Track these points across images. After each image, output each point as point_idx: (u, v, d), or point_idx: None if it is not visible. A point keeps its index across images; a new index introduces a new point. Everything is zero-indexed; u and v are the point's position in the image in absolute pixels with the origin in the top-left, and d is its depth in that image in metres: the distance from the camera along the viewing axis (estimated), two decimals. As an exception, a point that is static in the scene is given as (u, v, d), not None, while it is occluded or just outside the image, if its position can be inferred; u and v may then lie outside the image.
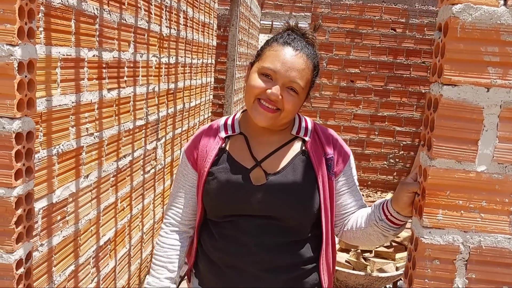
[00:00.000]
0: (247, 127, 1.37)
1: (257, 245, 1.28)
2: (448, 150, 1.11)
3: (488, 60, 1.08)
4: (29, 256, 1.27)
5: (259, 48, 1.38)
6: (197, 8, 3.79)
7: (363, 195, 5.96)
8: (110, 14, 2.10)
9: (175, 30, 3.16)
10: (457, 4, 1.06)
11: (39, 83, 1.57)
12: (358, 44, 6.06)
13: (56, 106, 1.70)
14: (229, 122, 1.39)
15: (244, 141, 1.36)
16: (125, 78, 2.35)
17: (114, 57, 2.19)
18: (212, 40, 4.62)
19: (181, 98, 3.49)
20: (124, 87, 2.34)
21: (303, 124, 1.40)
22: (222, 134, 1.37)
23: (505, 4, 1.05)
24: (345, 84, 6.13)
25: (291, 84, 1.25)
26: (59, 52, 1.69)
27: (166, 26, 2.96)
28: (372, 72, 6.09)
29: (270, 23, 10.80)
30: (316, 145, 1.36)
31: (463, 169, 1.12)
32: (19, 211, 1.21)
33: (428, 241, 1.11)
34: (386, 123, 6.16)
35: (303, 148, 1.35)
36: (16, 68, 1.14)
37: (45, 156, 1.65)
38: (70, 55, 1.78)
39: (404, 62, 6.06)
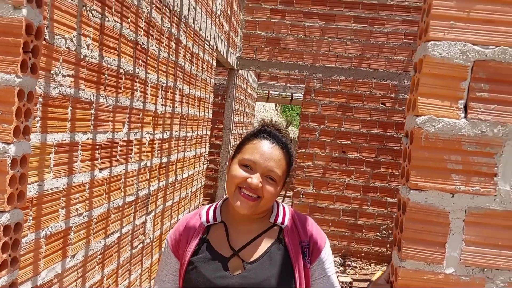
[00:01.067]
0: (227, 215, 1.45)
1: None
2: (417, 252, 1.16)
3: (451, 167, 1.15)
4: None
5: (240, 143, 1.49)
6: (193, 85, 3.96)
7: (356, 267, 5.92)
8: (106, 99, 2.21)
9: (170, 107, 3.29)
10: (420, 116, 1.15)
11: (31, 169, 1.64)
12: (349, 117, 6.24)
13: (47, 190, 1.76)
14: (211, 211, 1.47)
15: (224, 230, 1.43)
16: (118, 157, 2.42)
17: (108, 138, 2.28)
18: (208, 112, 4.77)
19: (174, 171, 3.56)
20: (116, 166, 2.41)
21: (281, 211, 1.47)
22: (204, 223, 1.44)
23: (465, 117, 1.14)
24: (337, 155, 6.25)
25: (269, 173, 1.37)
26: (54, 139, 1.78)
27: (162, 104, 3.09)
28: (363, 144, 6.23)
29: (267, 92, 11.14)
30: (293, 232, 1.41)
31: (432, 270, 1.16)
32: (1, 303, 1.23)
33: None
34: (378, 194, 6.21)
35: (280, 236, 1.41)
36: (9, 165, 1.21)
37: (32, 240, 1.69)
38: (65, 140, 1.86)
39: (395, 135, 6.22)
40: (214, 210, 1.47)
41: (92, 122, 2.10)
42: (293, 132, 22.30)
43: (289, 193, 12.59)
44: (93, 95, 2.08)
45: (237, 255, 1.39)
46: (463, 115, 1.14)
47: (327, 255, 1.45)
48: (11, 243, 1.25)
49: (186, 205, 4.10)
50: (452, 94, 1.14)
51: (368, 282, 3.40)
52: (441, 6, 1.13)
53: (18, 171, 1.25)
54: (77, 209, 2.01)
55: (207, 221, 1.44)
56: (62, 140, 1.84)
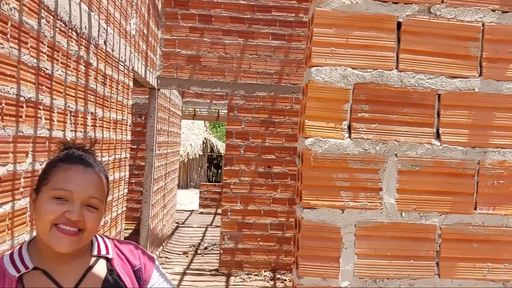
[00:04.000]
0: (40, 259, 1.22)
1: None
2: (313, 268, 1.20)
3: (340, 185, 1.20)
4: None
5: (42, 172, 1.26)
6: (107, 107, 3.85)
7: (286, 280, 5.98)
8: (4, 129, 2.09)
9: (81, 132, 3.17)
10: (308, 138, 1.19)
11: None
12: (273, 132, 6.36)
13: None
14: (16, 258, 1.21)
15: (44, 275, 1.21)
16: (21, 189, 2.29)
17: (8, 170, 2.15)
18: (126, 135, 4.66)
19: (90, 198, 3.42)
20: (19, 199, 2.27)
21: (102, 242, 1.34)
22: (14, 273, 1.17)
23: (349, 136, 1.20)
24: (262, 170, 6.33)
25: (90, 201, 1.21)
26: None
27: (71, 130, 2.97)
28: (287, 158, 6.36)
29: (193, 110, 11.10)
30: (122, 260, 1.32)
31: (328, 286, 1.20)
32: None
33: None
34: (304, 206, 6.35)
35: (109, 267, 1.29)
36: None
37: None
38: (-46, 177, 1.73)
39: (317, 147, 6.42)
40: (20, 256, 1.21)
41: (-12, 155, 1.97)
42: (223, 148, 22.33)
43: (219, 210, 12.57)
44: (-12, 126, 1.96)
45: None
46: (347, 135, 1.20)
47: (159, 269, 1.39)
48: None
49: (106, 232, 3.94)
50: (336, 116, 1.19)
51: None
52: (322, 33, 1.19)
53: None
54: (-28, 249, 1.87)
55: (17, 271, 1.18)
56: (-50, 177, 1.71)
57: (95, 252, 1.30)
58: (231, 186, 6.30)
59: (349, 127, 1.20)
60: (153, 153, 6.44)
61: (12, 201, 2.20)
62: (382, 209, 1.21)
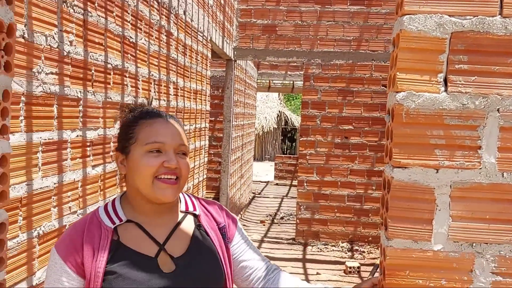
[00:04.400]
0: (133, 213, 1.27)
1: None
2: (404, 230, 1.14)
3: (434, 143, 1.12)
4: None
5: (122, 131, 1.30)
6: (188, 77, 3.94)
7: (364, 252, 5.90)
8: (94, 95, 2.20)
9: (164, 101, 3.27)
10: (400, 92, 1.12)
11: (18, 169, 1.63)
12: (350, 101, 6.19)
13: (36, 189, 1.75)
14: (110, 210, 1.26)
15: (138, 228, 1.25)
16: (111, 153, 2.41)
17: (99, 135, 2.27)
18: (205, 105, 4.75)
19: (173, 165, 3.55)
20: (110, 162, 2.40)
21: (188, 200, 1.37)
22: (110, 225, 1.23)
23: (445, 90, 1.11)
24: (339, 141, 6.21)
25: (180, 148, 1.25)
26: (40, 137, 1.77)
27: (155, 99, 3.07)
28: (365, 128, 6.18)
29: (268, 81, 11.10)
30: (208, 217, 1.35)
31: (420, 248, 1.13)
32: (-11, 303, 1.23)
33: (390, 321, 1.11)
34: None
35: (197, 223, 1.33)
36: (-12, 165, 1.20)
37: (24, 240, 1.69)
38: (52, 139, 1.85)
39: (397, 117, 6.16)
40: (114, 209, 1.26)
41: (81, 119, 2.09)
42: (298, 121, 22.23)
43: (295, 182, 12.60)
44: (80, 91, 2.06)
45: (164, 250, 1.25)
46: (443, 88, 1.10)
47: (242, 230, 1.42)
48: (-5, 244, 1.25)
49: (188, 198, 4.09)
50: (431, 67, 1.10)
51: (373, 266, 3.38)
52: (415, -23, 1.09)
53: (-3, 171, 1.24)
54: (70, 207, 2.01)
55: (113, 222, 1.24)
56: (49, 139, 1.83)
57: (182, 208, 1.34)
58: (307, 157, 6.26)
59: (445, 80, 1.10)
60: (231, 124, 6.55)
61: (103, 164, 2.33)
62: (481, 168, 1.12)
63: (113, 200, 1.30)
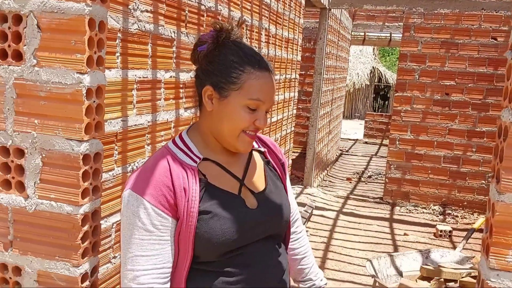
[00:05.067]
0: (207, 151, 1.24)
1: (275, 266, 1.27)
2: (520, 184, 0.99)
3: None
4: (95, 270, 1.36)
5: (223, 67, 1.19)
6: (280, 25, 3.82)
7: (457, 216, 5.58)
8: (187, 37, 2.19)
9: (256, 47, 3.21)
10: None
11: (115, 105, 1.68)
12: (454, 54, 5.70)
13: (131, 126, 1.80)
14: (185, 148, 1.22)
15: (217, 166, 1.24)
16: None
17: (191, 77, 2.28)
18: (297, 55, 4.63)
19: (262, 114, 3.52)
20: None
21: None
22: (193, 164, 1.19)
23: None
24: (439, 97, 5.79)
25: (269, 109, 1.24)
26: (135, 75, 1.80)
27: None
28: (469, 85, 5.69)
29: (363, 34, 10.58)
30: (272, 153, 1.37)
31: (539, 206, 0.99)
32: (86, 228, 1.29)
33: (495, 285, 1.00)
34: (485, 139, 5.70)
35: (265, 159, 1.35)
36: (85, 94, 1.23)
37: (120, 173, 1.76)
38: (147, 77, 1.88)
39: (507, 74, 5.57)
40: (188, 148, 1.22)
41: (174, 60, 2.10)
42: (392, 78, 21.18)
43: (385, 141, 12.13)
44: (174, 32, 2.06)
45: (244, 186, 1.25)
46: None
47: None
48: (91, 172, 1.30)
49: (276, 148, 4.07)
50: None
51: (468, 230, 3.16)
52: None
53: (94, 101, 1.27)
54: (163, 146, 2.06)
55: (194, 161, 1.20)
56: (143, 77, 1.86)
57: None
58: (402, 113, 5.93)
59: None
60: (321, 77, 6.37)
61: (196, 107, 2.35)
62: None
63: (181, 137, 1.26)
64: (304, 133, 9.12)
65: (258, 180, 1.28)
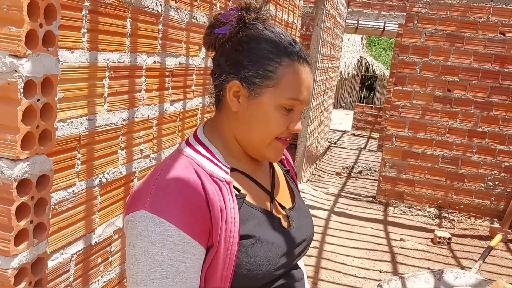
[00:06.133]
0: (232, 159, 1.01)
1: (304, 281, 1.10)
2: None
3: None
4: None
5: (256, 57, 0.94)
6: (280, 6, 3.38)
7: (454, 220, 5.28)
8: (177, 12, 1.75)
9: (254, 30, 2.78)
10: None
11: (78, 99, 1.24)
12: (459, 49, 5.34)
13: (101, 126, 1.37)
14: (212, 158, 0.97)
15: (246, 178, 1.01)
16: (193, 88, 2.00)
17: (180, 63, 1.85)
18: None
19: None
20: (191, 98, 1.99)
21: None
22: (225, 176, 0.94)
23: None
24: (440, 93, 5.44)
25: (304, 107, 1.05)
26: (108, 59, 1.36)
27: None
28: (473, 81, 5.35)
29: (356, 22, 10.17)
30: (288, 162, 1.21)
31: None
32: (22, 286, 0.87)
33: None
34: (486, 140, 5.39)
35: (284, 168, 1.18)
36: (21, 89, 0.79)
37: (83, 189, 1.33)
38: (123, 62, 1.44)
39: (513, 71, 5.26)
40: (213, 155, 0.98)
41: (160, 42, 1.66)
42: (379, 68, 20.89)
43: (374, 134, 11.83)
44: (161, 5, 1.62)
45: (275, 202, 1.05)
46: None
47: None
48: (33, 205, 0.87)
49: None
50: None
51: (486, 248, 2.82)
52: None
53: (38, 100, 0.84)
54: (141, 150, 1.63)
55: (225, 173, 0.96)
56: (119, 62, 1.42)
57: None
58: (400, 109, 5.57)
59: None
60: (316, 66, 5.95)
61: (184, 100, 1.92)
62: None
63: (198, 140, 1.00)
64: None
65: (285, 194, 1.11)
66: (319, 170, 7.44)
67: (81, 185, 1.31)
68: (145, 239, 0.83)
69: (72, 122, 1.23)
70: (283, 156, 1.18)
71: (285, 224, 1.02)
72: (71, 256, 1.31)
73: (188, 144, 0.99)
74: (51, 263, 1.21)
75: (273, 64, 0.93)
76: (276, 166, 1.14)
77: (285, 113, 0.96)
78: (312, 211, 5.08)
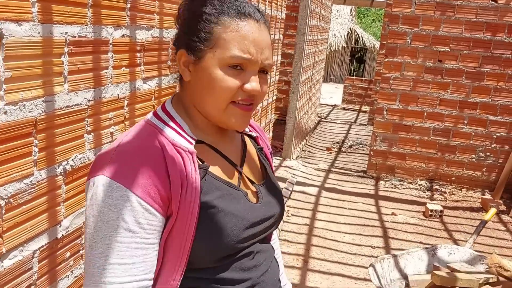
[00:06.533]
0: (199, 132, 1.00)
1: (273, 266, 1.09)
2: None
3: None
4: None
5: (194, 22, 0.94)
6: (264, -26, 3.21)
7: (445, 192, 5.24)
8: (147, -20, 1.60)
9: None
10: None
11: (31, 78, 1.10)
12: (450, 17, 5.20)
13: (61, 107, 1.23)
14: (177, 128, 0.96)
15: (212, 150, 1.00)
16: (169, 63, 1.85)
17: (153, 37, 1.70)
18: (281, 11, 4.03)
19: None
20: (167, 75, 1.85)
21: None
22: (189, 147, 0.93)
23: None
24: (431, 64, 5.32)
25: (264, 66, 0.96)
26: (67, 33, 1.21)
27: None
28: (464, 51, 5.23)
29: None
30: (262, 140, 1.18)
31: None
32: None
33: None
34: (478, 110, 5.31)
35: (258, 146, 1.15)
36: None
37: (44, 178, 1.20)
38: (85, 36, 1.29)
39: (505, 40, 5.13)
40: (179, 126, 0.96)
41: (129, 13, 1.51)
42: (369, 40, 20.65)
43: (364, 107, 11.72)
44: (126, -28, 1.46)
45: (244, 177, 1.04)
46: None
47: None
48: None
49: (257, 121, 3.54)
50: None
51: (480, 222, 2.75)
52: None
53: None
54: (111, 133, 1.50)
55: (190, 143, 0.95)
56: (80, 36, 1.27)
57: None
58: (391, 81, 5.45)
59: None
60: (304, 38, 5.78)
61: (159, 77, 1.78)
62: None
63: (165, 110, 0.98)
64: (282, 98, 8.58)
65: (255, 170, 1.10)
66: (309, 146, 7.34)
67: (40, 175, 1.18)
68: (102, 203, 0.83)
69: (25, 105, 1.09)
70: (257, 134, 1.16)
71: (253, 199, 1.02)
72: (33, 253, 1.19)
73: (155, 114, 0.98)
74: (8, 262, 1.09)
75: (209, 25, 0.92)
76: (249, 142, 1.13)
77: (236, 73, 0.92)
78: (302, 188, 5.01)
